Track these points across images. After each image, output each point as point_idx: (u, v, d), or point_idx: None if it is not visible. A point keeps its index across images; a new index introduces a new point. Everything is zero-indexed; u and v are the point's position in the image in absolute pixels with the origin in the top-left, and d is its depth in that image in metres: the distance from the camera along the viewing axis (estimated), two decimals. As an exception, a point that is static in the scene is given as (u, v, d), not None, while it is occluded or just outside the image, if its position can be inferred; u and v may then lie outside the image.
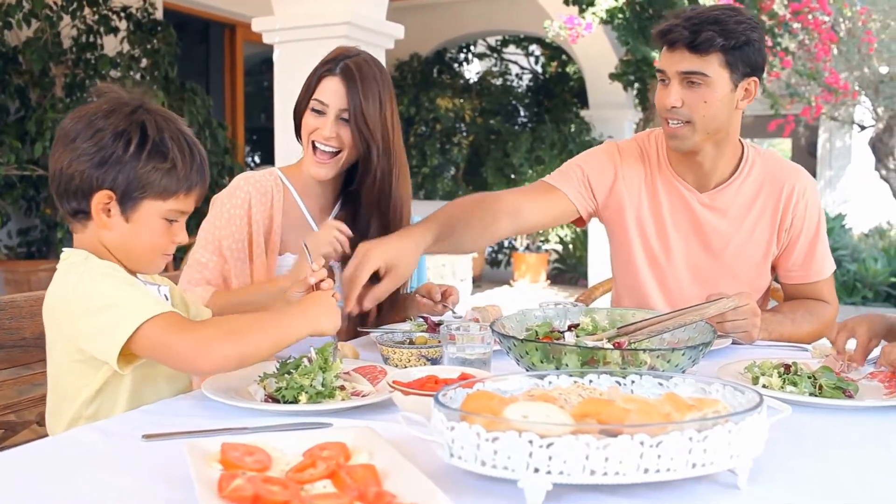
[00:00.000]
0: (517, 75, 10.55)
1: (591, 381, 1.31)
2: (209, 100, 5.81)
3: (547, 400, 1.18)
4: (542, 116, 9.82)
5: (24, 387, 1.94)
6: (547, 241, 10.23)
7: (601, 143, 2.22)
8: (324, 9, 4.08)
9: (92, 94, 1.55)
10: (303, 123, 2.02)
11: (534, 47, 10.61)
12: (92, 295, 1.38)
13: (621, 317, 1.67)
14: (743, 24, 1.94)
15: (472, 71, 10.61)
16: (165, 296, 1.59)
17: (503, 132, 9.54)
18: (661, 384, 1.31)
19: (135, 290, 1.40)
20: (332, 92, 1.97)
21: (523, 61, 10.61)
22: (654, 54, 7.05)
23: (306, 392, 1.38)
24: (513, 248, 10.24)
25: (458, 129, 9.80)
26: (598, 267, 9.57)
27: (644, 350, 1.35)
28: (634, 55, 7.11)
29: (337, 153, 2.01)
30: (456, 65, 10.18)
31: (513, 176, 9.49)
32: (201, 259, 1.98)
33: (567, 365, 1.37)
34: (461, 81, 10.24)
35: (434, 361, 1.65)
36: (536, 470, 1.01)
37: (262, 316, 1.44)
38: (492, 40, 10.76)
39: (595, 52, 8.83)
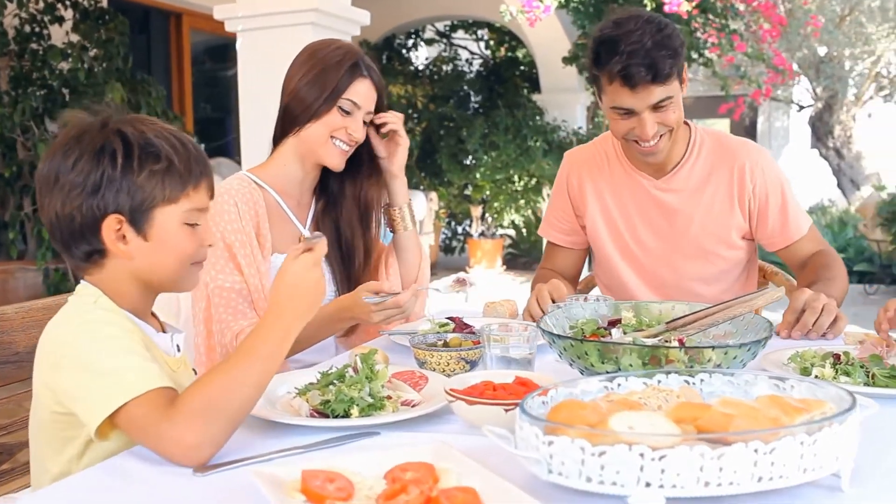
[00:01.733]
0: (467, 61, 10.46)
1: (659, 382, 1.25)
2: (162, 91, 5.59)
3: (631, 406, 1.12)
4: (495, 101, 9.75)
5: (19, 406, 1.81)
6: (501, 226, 10.20)
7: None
8: (289, -6, 3.94)
9: (58, 126, 1.38)
10: (324, 120, 1.96)
11: (482, 32, 10.53)
12: (87, 353, 1.22)
13: (661, 311, 1.62)
14: (673, 36, 1.97)
15: (421, 57, 10.47)
16: (178, 346, 1.43)
17: (456, 118, 9.45)
18: (731, 382, 1.26)
19: (132, 358, 1.21)
20: (364, 95, 1.98)
21: (473, 47, 10.52)
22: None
23: (357, 404, 1.30)
24: (468, 235, 10.18)
25: (411, 116, 9.68)
26: (554, 251, 9.59)
27: (712, 347, 1.30)
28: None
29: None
30: (405, 51, 10.03)
31: (467, 161, 9.42)
32: (226, 284, 1.88)
33: (631, 365, 1.31)
34: (411, 68, 10.10)
35: (473, 364, 1.58)
36: (648, 484, 0.95)
37: (237, 358, 1.21)
38: (440, 26, 10.65)
39: (547, 36, 8.80)
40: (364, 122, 1.99)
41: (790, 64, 8.92)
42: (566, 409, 1.07)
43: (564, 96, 9.40)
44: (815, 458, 0.99)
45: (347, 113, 1.95)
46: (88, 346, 1.22)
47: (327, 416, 1.30)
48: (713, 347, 1.30)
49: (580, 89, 9.40)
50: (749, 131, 17.30)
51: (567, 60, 8.39)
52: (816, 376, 1.49)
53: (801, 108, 13.27)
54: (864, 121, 12.85)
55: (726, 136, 2.25)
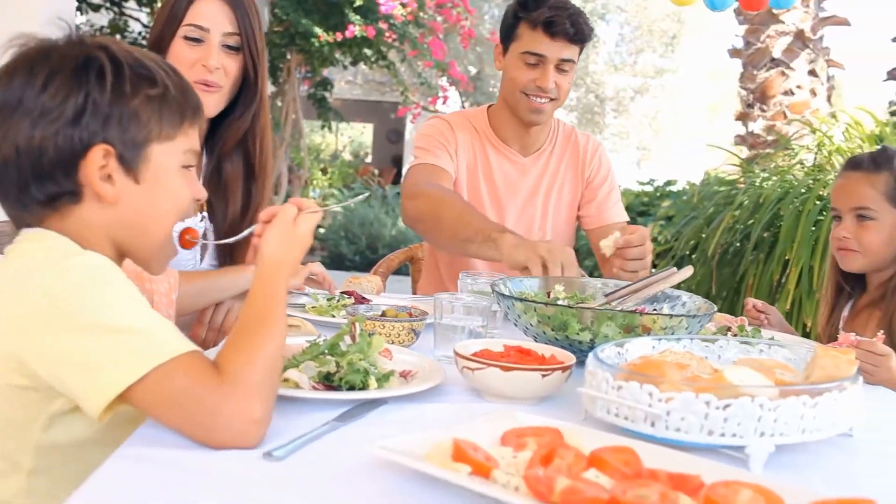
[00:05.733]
0: (140, 34, 9.67)
1: (653, 348, 1.30)
2: None
3: (683, 367, 1.16)
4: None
5: None
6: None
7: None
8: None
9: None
10: (173, 55, 1.66)
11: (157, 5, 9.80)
12: (89, 306, 0.94)
13: (582, 285, 1.68)
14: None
15: (90, 24, 9.43)
16: None
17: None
18: (707, 347, 1.35)
19: (150, 311, 0.98)
20: (211, 15, 1.66)
21: (145, 18, 9.76)
22: (316, 30, 7.02)
23: (372, 375, 1.17)
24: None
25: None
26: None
27: (693, 316, 1.39)
28: (295, 27, 7.00)
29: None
30: (79, 14, 8.97)
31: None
32: None
33: (618, 334, 1.34)
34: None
35: (418, 334, 1.51)
36: (762, 434, 0.99)
37: (268, 322, 1.02)
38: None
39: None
40: (230, 47, 1.68)
41: (463, 75, 9.62)
42: (653, 367, 1.08)
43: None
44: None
45: (196, 41, 1.66)
46: (88, 298, 0.94)
47: (333, 388, 1.16)
48: (693, 316, 1.39)
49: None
50: (389, 138, 18.31)
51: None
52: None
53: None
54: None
55: (573, 128, 2.48)
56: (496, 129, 2.35)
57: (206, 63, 1.65)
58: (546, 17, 2.13)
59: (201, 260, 1.75)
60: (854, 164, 1.98)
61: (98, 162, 1.02)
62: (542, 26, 2.14)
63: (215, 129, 1.77)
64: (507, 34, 2.23)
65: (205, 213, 1.74)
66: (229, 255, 1.77)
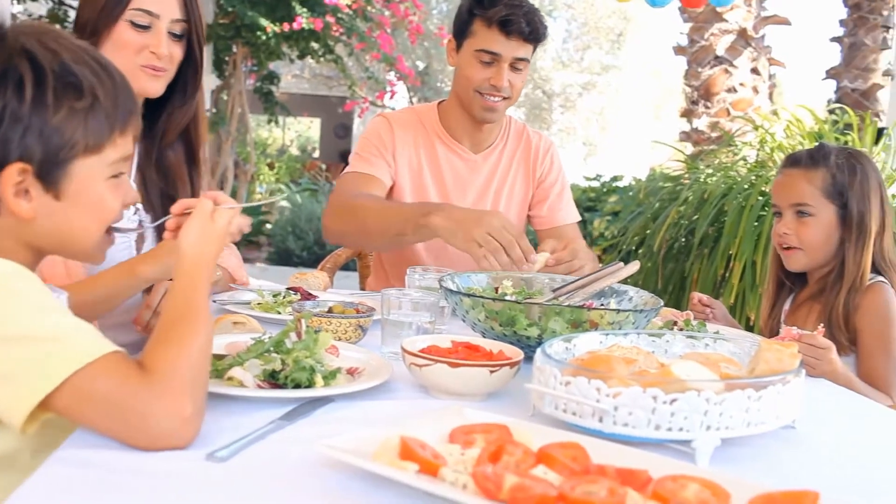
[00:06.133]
0: (80, 23, 9.42)
1: (601, 343, 1.30)
2: None
3: (629, 361, 1.16)
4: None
5: None
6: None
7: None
8: None
9: None
10: (115, 39, 1.60)
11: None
12: (3, 315, 0.91)
13: (527, 281, 1.68)
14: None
15: (28, 13, 9.14)
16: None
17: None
18: (654, 341, 1.36)
19: (66, 317, 0.95)
20: (160, 0, 1.61)
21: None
22: (263, 21, 6.92)
23: (319, 372, 1.15)
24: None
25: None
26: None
27: (640, 311, 1.39)
28: (241, 20, 6.89)
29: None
30: (16, 2, 8.70)
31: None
32: None
33: (567, 328, 1.35)
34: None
35: (365, 331, 1.49)
36: (708, 428, 1.00)
37: (193, 319, 1.00)
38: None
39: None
40: (176, 35, 1.63)
41: (411, 70, 9.59)
42: (601, 362, 1.08)
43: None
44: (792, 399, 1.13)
45: (144, 28, 1.60)
46: (3, 309, 0.91)
47: (278, 386, 1.14)
48: (640, 311, 1.39)
49: (207, 71, 9.04)
50: (336, 132, 18.19)
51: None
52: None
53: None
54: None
55: (525, 126, 2.46)
56: (447, 126, 2.31)
57: (156, 50, 1.61)
58: (502, 15, 2.08)
59: (138, 251, 1.71)
60: (792, 160, 2.02)
61: (13, 179, 0.98)
62: (498, 24, 2.09)
63: (155, 115, 1.73)
64: (461, 30, 2.18)
65: (138, 206, 1.69)
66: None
